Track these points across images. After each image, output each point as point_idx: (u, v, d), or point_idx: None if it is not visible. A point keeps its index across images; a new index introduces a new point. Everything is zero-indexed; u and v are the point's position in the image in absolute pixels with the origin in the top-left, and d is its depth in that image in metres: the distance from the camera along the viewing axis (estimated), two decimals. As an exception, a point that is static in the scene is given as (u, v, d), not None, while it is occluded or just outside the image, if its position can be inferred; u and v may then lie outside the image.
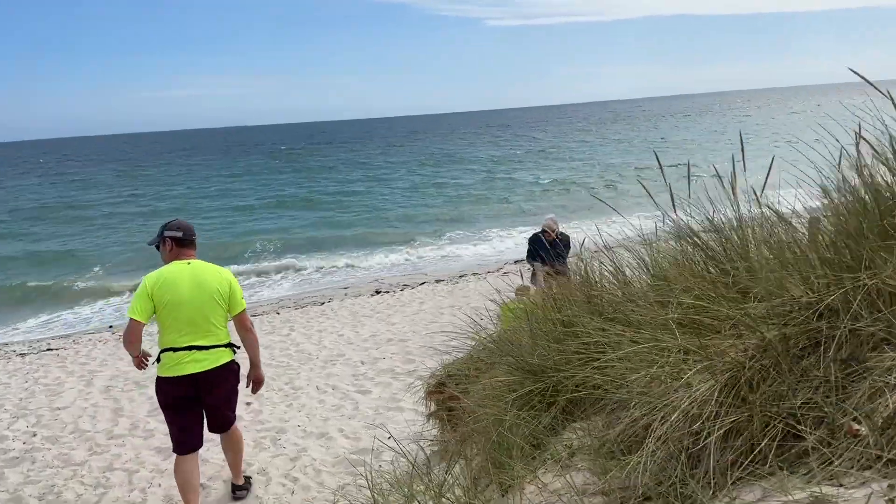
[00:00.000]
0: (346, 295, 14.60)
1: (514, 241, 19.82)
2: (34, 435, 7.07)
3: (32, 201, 39.83)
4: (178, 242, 4.40)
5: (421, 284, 14.56)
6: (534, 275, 8.97)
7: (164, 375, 4.29)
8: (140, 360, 4.36)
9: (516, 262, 16.22)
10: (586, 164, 40.01)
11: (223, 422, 4.65)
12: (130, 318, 4.14)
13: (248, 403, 7.44)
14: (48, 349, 11.99)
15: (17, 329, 14.52)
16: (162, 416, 4.73)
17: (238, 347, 4.54)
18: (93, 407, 7.91)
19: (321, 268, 18.27)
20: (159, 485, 5.53)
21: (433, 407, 5.30)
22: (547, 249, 8.76)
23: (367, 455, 5.72)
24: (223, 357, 4.38)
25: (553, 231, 8.83)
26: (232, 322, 4.54)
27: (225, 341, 4.41)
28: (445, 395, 5.00)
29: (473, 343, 8.01)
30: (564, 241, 8.81)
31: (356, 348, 9.48)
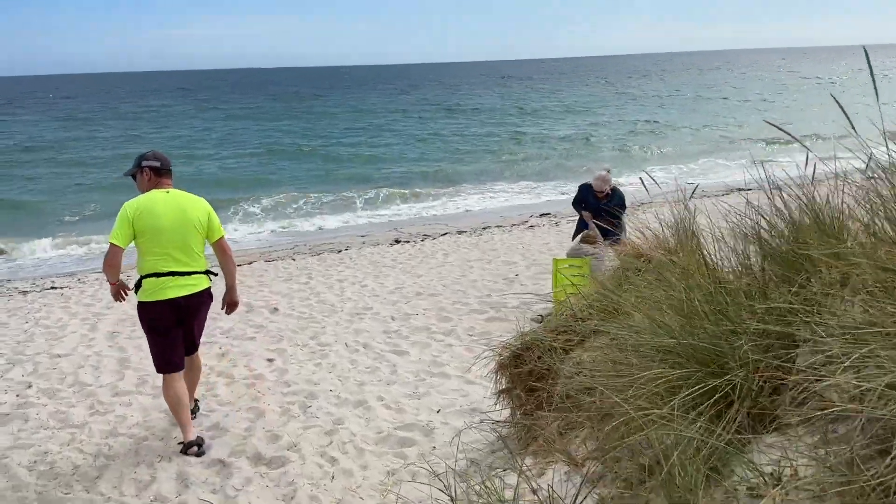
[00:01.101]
0: (363, 243, 13.50)
1: (535, 195, 18.68)
2: (29, 386, 6.03)
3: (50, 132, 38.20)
4: (156, 172, 4.41)
5: (442, 235, 13.46)
6: (578, 231, 7.85)
7: (146, 300, 4.35)
8: (118, 291, 4.43)
9: (542, 215, 15.11)
10: (615, 118, 38.11)
11: (192, 345, 4.72)
12: (111, 243, 4.21)
13: (270, 360, 6.40)
14: (52, 287, 10.92)
15: (20, 263, 13.43)
16: None
17: (216, 274, 4.59)
18: (96, 356, 6.86)
19: (332, 214, 17.13)
20: (170, 459, 4.51)
21: (504, 382, 4.23)
22: (597, 205, 7.64)
23: (415, 432, 4.69)
24: (202, 283, 4.47)
25: (602, 191, 7.64)
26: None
27: (203, 268, 4.48)
28: (524, 369, 3.94)
29: (547, 309, 6.92)
30: (618, 199, 7.66)
31: (383, 302, 8.42)
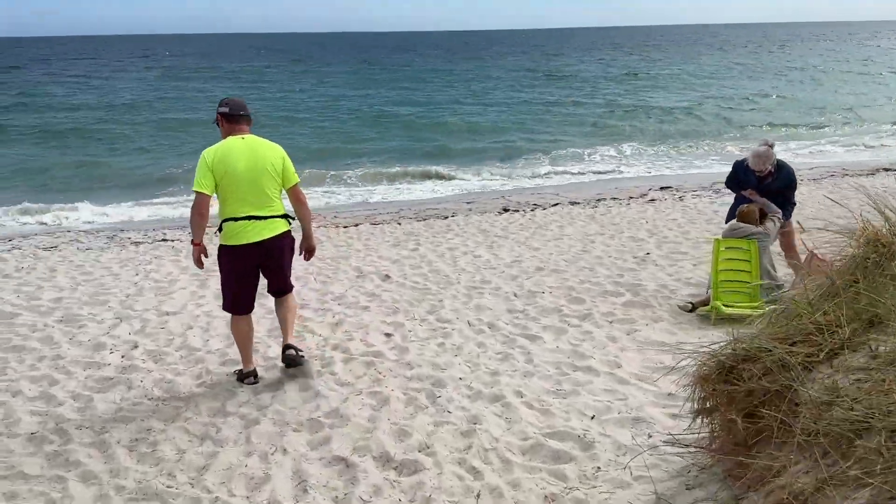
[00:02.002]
0: (470, 210, 12.59)
1: (645, 166, 17.21)
2: (135, 347, 5.49)
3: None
4: (226, 118, 4.34)
5: (553, 206, 12.36)
6: (733, 215, 6.61)
7: (226, 244, 4.33)
8: (199, 256, 4.35)
9: (663, 188, 13.75)
10: (731, 89, 35.22)
11: (281, 286, 4.62)
12: (196, 192, 4.15)
13: (387, 335, 5.62)
14: (163, 239, 10.60)
15: (129, 215, 13.29)
16: None
17: (293, 218, 4.50)
18: (206, 316, 6.29)
19: (434, 181, 16.29)
20: (284, 451, 3.77)
21: (705, 400, 3.24)
22: (759, 186, 6.40)
23: (569, 443, 3.76)
24: (280, 226, 4.38)
25: (763, 171, 6.32)
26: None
27: (280, 212, 4.40)
28: (740, 388, 2.92)
29: (698, 296, 5.85)
30: (786, 177, 6.36)
31: (502, 276, 7.50)
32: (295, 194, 4.46)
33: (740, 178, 6.56)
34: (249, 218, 4.24)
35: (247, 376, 4.55)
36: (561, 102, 31.36)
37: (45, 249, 9.96)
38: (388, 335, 5.63)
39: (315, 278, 7.60)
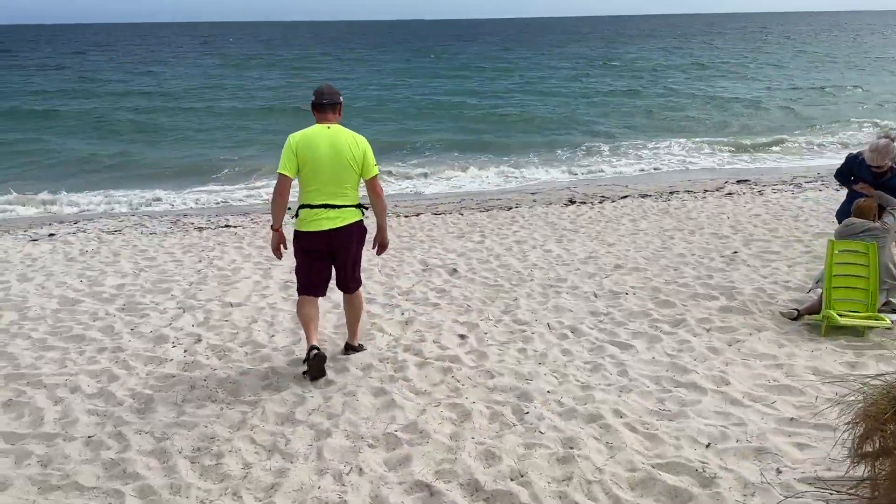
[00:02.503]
0: (534, 201, 11.99)
1: (713, 160, 16.25)
2: (198, 340, 5.13)
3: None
4: (314, 107, 4.31)
5: (623, 198, 11.66)
6: (844, 213, 5.87)
7: (300, 230, 4.30)
8: (278, 244, 4.34)
9: (740, 181, 12.87)
10: (798, 80, 33.43)
11: (348, 281, 4.51)
12: (279, 174, 4.14)
13: (462, 337, 5.13)
14: (226, 226, 10.36)
15: (187, 200, 13.13)
16: None
17: (367, 209, 4.41)
18: (270, 309, 5.92)
19: (493, 171, 15.72)
20: (360, 471, 3.32)
21: (870, 441, 2.62)
22: (873, 182, 5.64)
23: (685, 477, 3.20)
24: (353, 216, 4.32)
25: (882, 167, 5.57)
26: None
27: (355, 202, 4.33)
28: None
29: (804, 302, 5.21)
30: None
31: (577, 273, 6.92)
32: (372, 186, 4.33)
33: (854, 173, 5.82)
34: (325, 206, 4.19)
35: (309, 351, 4.40)
36: (621, 92, 30.25)
37: (109, 233, 9.83)
38: (462, 337, 5.13)
39: (380, 270, 7.16)
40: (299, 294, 4.46)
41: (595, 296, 6.11)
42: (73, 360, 4.78)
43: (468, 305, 5.90)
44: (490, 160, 16.72)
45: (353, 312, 4.63)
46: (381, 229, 4.49)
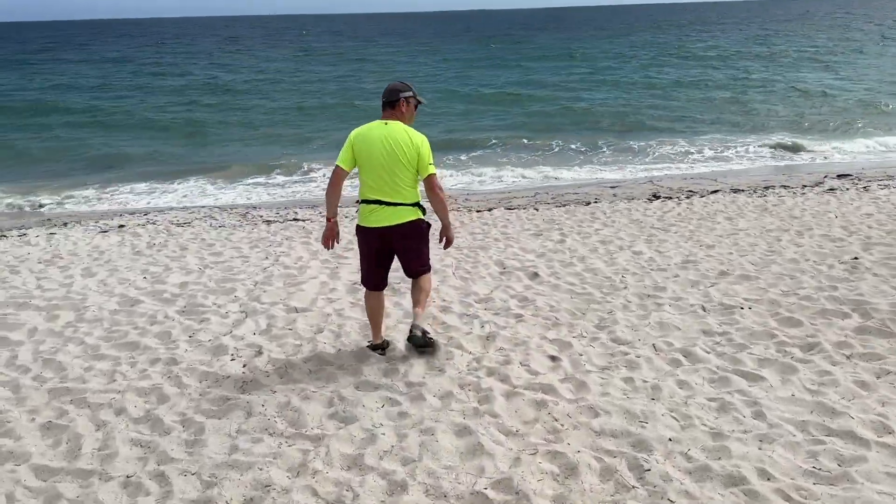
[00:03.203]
0: (614, 196, 11.02)
1: (802, 156, 14.80)
2: (259, 353, 4.52)
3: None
4: (382, 105, 4.21)
5: (712, 193, 10.54)
6: None
7: (359, 224, 4.25)
8: (331, 235, 4.20)
9: (840, 175, 11.54)
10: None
11: (413, 271, 4.37)
12: (336, 165, 4.09)
13: (553, 359, 4.33)
14: (294, 219, 9.85)
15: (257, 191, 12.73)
16: None
17: (424, 209, 4.22)
18: (337, 316, 5.27)
19: (565, 164, 14.76)
20: (446, 544, 2.59)
21: None
22: None
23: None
24: (408, 215, 4.15)
25: None
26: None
27: (411, 200, 4.15)
28: None
29: None
30: None
31: (677, 280, 5.99)
32: (430, 185, 4.18)
33: None
34: (378, 202, 4.12)
35: (375, 349, 4.45)
36: (698, 81, 28.49)
37: (178, 225, 9.46)
38: (553, 359, 4.34)
39: (454, 273, 6.44)
40: (364, 287, 4.46)
41: (704, 309, 5.20)
42: (124, 374, 4.24)
43: (556, 318, 5.09)
44: (561, 152, 15.76)
45: (418, 292, 4.41)
46: (445, 227, 4.35)
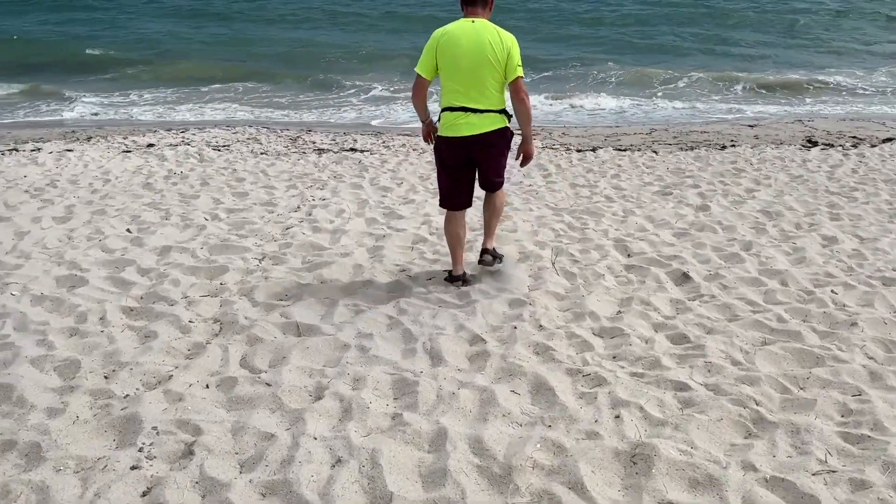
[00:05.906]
0: (756, 138, 7.91)
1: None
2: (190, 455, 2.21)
3: None
4: (462, 1, 3.45)
5: (885, 141, 7.28)
6: None
7: (441, 135, 3.53)
8: (429, 133, 3.61)
9: None
10: None
11: (489, 184, 3.70)
12: (416, 72, 3.45)
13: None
14: (352, 149, 7.41)
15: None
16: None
17: (512, 116, 3.52)
18: (360, 353, 2.88)
19: (683, 92, 11.43)
20: None
21: None
22: None
23: None
24: (496, 122, 3.47)
25: None
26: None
27: (498, 107, 3.47)
28: None
29: None
30: None
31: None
32: (516, 89, 3.40)
33: None
34: (465, 109, 3.39)
35: (455, 280, 3.64)
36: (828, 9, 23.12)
37: (215, 148, 7.21)
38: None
39: (554, 264, 3.88)
40: (444, 208, 3.68)
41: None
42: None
43: (753, 401, 2.47)
44: (677, 78, 12.33)
45: (491, 210, 3.73)
46: (526, 139, 3.58)
